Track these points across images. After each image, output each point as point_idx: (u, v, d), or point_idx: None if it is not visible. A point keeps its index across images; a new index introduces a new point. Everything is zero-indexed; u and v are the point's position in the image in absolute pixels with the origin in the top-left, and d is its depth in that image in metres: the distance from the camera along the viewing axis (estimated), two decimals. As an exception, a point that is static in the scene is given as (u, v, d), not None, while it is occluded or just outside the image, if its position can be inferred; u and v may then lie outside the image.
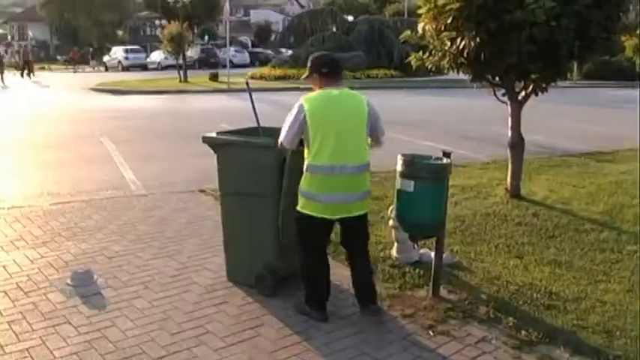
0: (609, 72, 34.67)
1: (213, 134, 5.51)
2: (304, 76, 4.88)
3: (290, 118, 4.57)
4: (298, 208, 4.68)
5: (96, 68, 50.39)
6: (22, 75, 41.48)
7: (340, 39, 39.63)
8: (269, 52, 62.61)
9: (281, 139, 4.61)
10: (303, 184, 4.61)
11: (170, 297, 5.13)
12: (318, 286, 4.83)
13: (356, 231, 4.94)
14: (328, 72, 4.71)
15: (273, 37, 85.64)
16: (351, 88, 4.89)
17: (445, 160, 4.93)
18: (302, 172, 4.63)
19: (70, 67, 55.40)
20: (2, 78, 37.47)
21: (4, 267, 5.75)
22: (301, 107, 4.54)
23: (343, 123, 4.55)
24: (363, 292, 4.87)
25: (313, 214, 4.61)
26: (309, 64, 4.84)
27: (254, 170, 5.06)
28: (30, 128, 16.05)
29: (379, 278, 5.56)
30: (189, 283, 5.42)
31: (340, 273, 5.64)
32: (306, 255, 4.82)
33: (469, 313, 4.86)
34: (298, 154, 4.70)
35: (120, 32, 71.78)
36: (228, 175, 5.36)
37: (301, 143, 4.63)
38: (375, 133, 4.75)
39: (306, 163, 4.58)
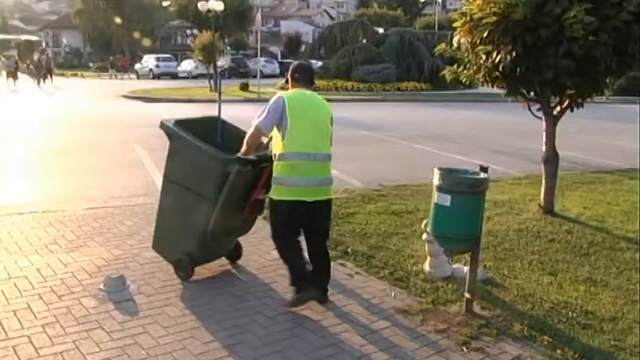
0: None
1: (171, 123, 5.69)
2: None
3: (270, 106, 5.01)
4: (273, 196, 5.04)
5: (113, 77, 50.74)
6: (44, 81, 42.33)
7: (371, 51, 39.64)
8: (299, 63, 62.77)
9: (258, 123, 5.03)
10: (277, 171, 4.98)
11: (202, 305, 5.13)
12: (300, 264, 5.13)
13: (322, 219, 5.24)
14: (299, 76, 5.36)
15: (302, 48, 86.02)
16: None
17: (482, 175, 4.89)
18: (244, 189, 5.31)
19: (105, 73, 56.07)
20: (39, 82, 38.63)
21: (38, 270, 5.80)
22: (282, 99, 5.01)
23: (316, 116, 5.14)
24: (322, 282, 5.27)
25: (290, 198, 4.96)
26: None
27: (197, 171, 5.41)
28: (63, 134, 16.27)
29: (411, 292, 5.53)
30: (221, 293, 5.42)
31: (374, 286, 5.63)
32: (284, 242, 5.17)
33: (503, 330, 4.80)
34: (244, 175, 5.18)
35: (148, 40, 72.44)
36: (175, 165, 5.71)
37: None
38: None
39: (281, 151, 4.96)
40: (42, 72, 41.07)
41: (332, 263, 5.98)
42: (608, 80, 7.98)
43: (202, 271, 5.89)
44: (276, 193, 5.01)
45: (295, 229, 5.18)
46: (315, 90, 5.43)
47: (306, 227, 5.22)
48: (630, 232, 7.70)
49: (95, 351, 4.31)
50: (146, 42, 73.02)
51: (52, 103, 27.30)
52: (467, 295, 5.13)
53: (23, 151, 13.27)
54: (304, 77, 5.39)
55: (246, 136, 5.17)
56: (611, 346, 4.60)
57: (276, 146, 5.01)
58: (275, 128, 5.01)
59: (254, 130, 5.06)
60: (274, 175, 5.01)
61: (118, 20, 71.26)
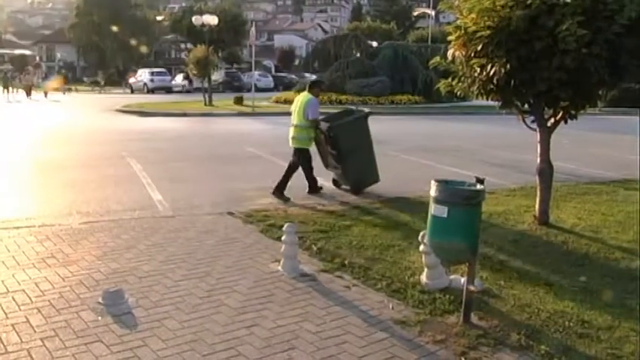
0: (633, 99, 34.37)
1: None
2: None
3: None
4: None
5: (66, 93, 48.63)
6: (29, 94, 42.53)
7: (364, 64, 39.71)
8: (293, 76, 63.10)
9: None
10: None
11: (201, 318, 5.15)
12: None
13: (295, 156, 10.38)
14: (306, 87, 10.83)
15: (296, 61, 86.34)
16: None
17: (479, 186, 4.93)
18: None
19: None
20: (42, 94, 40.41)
21: (36, 284, 5.81)
22: None
23: (296, 105, 10.43)
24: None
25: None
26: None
27: None
28: (58, 148, 16.26)
29: (409, 303, 5.55)
30: (220, 305, 5.44)
31: (371, 298, 5.66)
32: None
33: (501, 340, 4.83)
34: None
35: (141, 54, 72.79)
36: None
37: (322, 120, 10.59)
38: (305, 113, 10.12)
39: None
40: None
41: (329, 275, 6.27)
42: (601, 92, 8.05)
43: (200, 284, 5.91)
44: None
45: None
46: (309, 92, 10.35)
47: None
48: (625, 242, 7.74)
49: (95, 364, 4.32)
50: (141, 56, 73.34)
51: (47, 117, 27.24)
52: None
53: (19, 165, 13.29)
54: (308, 87, 10.66)
55: None
56: (607, 355, 4.64)
57: None
58: None
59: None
60: None
61: (111, 34, 71.46)
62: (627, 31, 7.00)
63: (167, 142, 18.22)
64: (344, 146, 10.29)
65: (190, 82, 51.18)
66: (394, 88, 38.07)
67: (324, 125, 10.37)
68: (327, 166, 10.89)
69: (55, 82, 48.02)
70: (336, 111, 12.32)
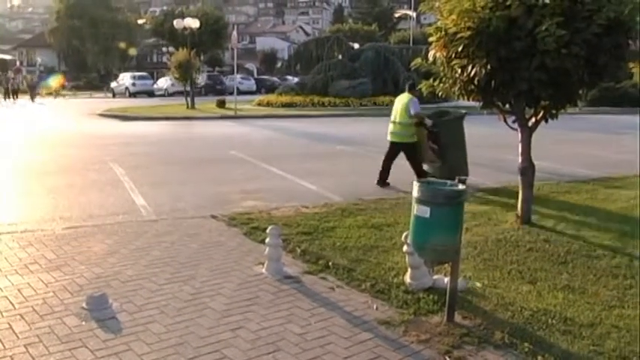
0: (613, 98, 34.76)
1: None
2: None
3: None
4: None
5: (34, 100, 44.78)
6: (9, 98, 42.44)
7: (346, 66, 39.80)
8: (275, 79, 63.09)
9: None
10: None
11: (185, 321, 5.14)
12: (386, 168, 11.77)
13: (390, 148, 11.86)
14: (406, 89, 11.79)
15: (279, 64, 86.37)
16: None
17: (460, 186, 4.97)
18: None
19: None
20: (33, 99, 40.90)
21: (19, 290, 5.77)
22: None
23: (397, 104, 11.66)
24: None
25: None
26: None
27: None
28: (40, 153, 16.14)
29: (393, 304, 5.58)
30: (204, 308, 5.43)
31: (355, 299, 5.68)
32: None
33: (485, 339, 4.87)
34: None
35: (123, 58, 72.60)
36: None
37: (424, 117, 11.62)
38: (407, 110, 11.30)
39: None
40: (35, 91, 42.14)
41: (314, 277, 6.25)
42: (581, 91, 8.13)
43: (184, 288, 5.91)
44: None
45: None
46: (409, 93, 11.49)
47: None
48: (606, 239, 7.82)
49: (79, 369, 4.30)
50: (122, 60, 73.02)
51: (29, 121, 27.03)
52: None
53: (0, 170, 13.18)
54: (404, 89, 11.84)
55: None
56: (590, 351, 4.69)
57: None
58: None
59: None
60: None
61: (92, 38, 71.05)
62: (605, 32, 7.07)
63: (150, 146, 18.14)
64: (445, 141, 11.39)
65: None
66: (376, 89, 38.18)
67: (428, 122, 11.46)
68: (424, 160, 11.84)
69: (54, 82, 48.41)
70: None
